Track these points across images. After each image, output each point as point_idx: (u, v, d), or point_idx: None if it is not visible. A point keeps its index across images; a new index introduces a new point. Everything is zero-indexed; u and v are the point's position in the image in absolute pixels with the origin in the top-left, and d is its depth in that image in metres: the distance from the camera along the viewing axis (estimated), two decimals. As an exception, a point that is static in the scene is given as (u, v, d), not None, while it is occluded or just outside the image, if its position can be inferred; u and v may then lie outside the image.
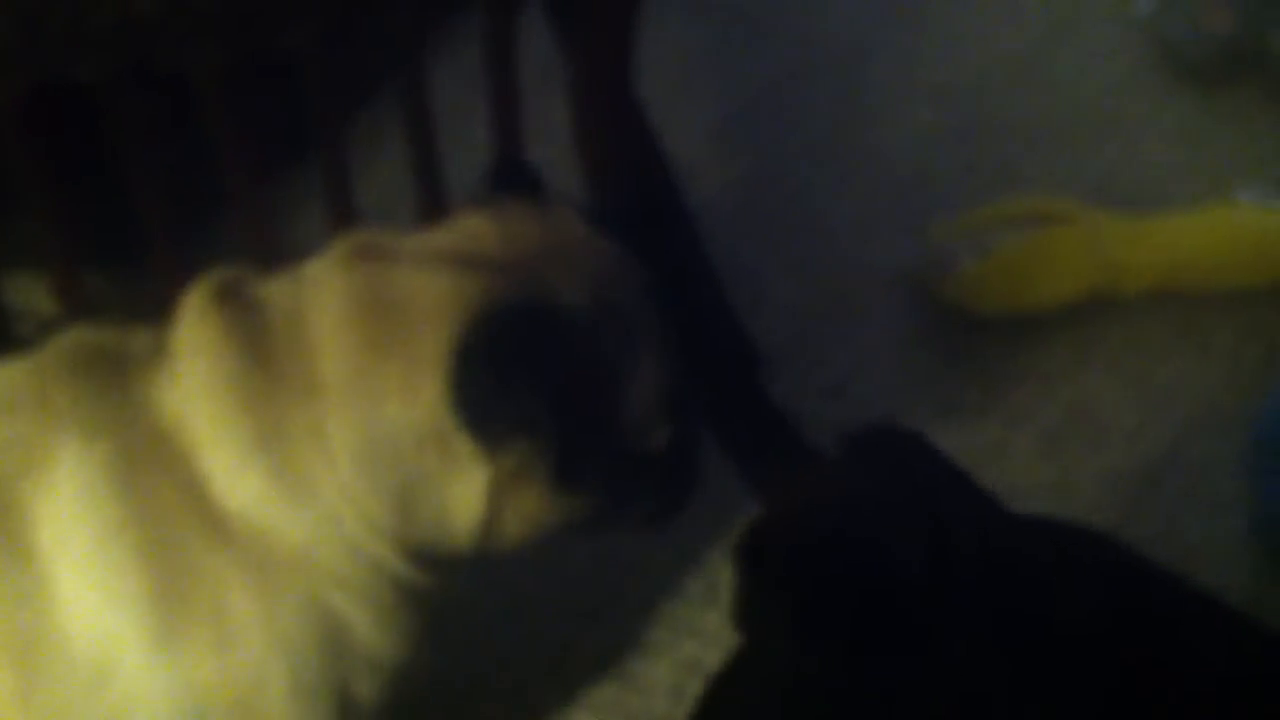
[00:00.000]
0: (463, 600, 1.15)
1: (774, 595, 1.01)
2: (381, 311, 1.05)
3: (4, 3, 1.15)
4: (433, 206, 1.36)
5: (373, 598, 1.07)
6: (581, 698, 1.44)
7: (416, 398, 1.03)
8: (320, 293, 1.07)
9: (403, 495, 1.05)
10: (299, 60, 1.27)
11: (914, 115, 1.89)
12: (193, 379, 1.05)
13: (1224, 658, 0.99)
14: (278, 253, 1.22)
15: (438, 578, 1.10)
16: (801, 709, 0.98)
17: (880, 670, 0.96)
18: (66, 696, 1.04)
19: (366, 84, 1.63)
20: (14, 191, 1.30)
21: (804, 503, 1.06)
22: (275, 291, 1.09)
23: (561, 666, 1.45)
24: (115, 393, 1.06)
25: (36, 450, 1.04)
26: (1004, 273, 1.67)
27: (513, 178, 1.16)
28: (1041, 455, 1.60)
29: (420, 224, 1.17)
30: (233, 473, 1.03)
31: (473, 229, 1.10)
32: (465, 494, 1.05)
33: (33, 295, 1.38)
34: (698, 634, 1.47)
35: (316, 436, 1.03)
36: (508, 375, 1.02)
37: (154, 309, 1.11)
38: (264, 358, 1.05)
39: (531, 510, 1.07)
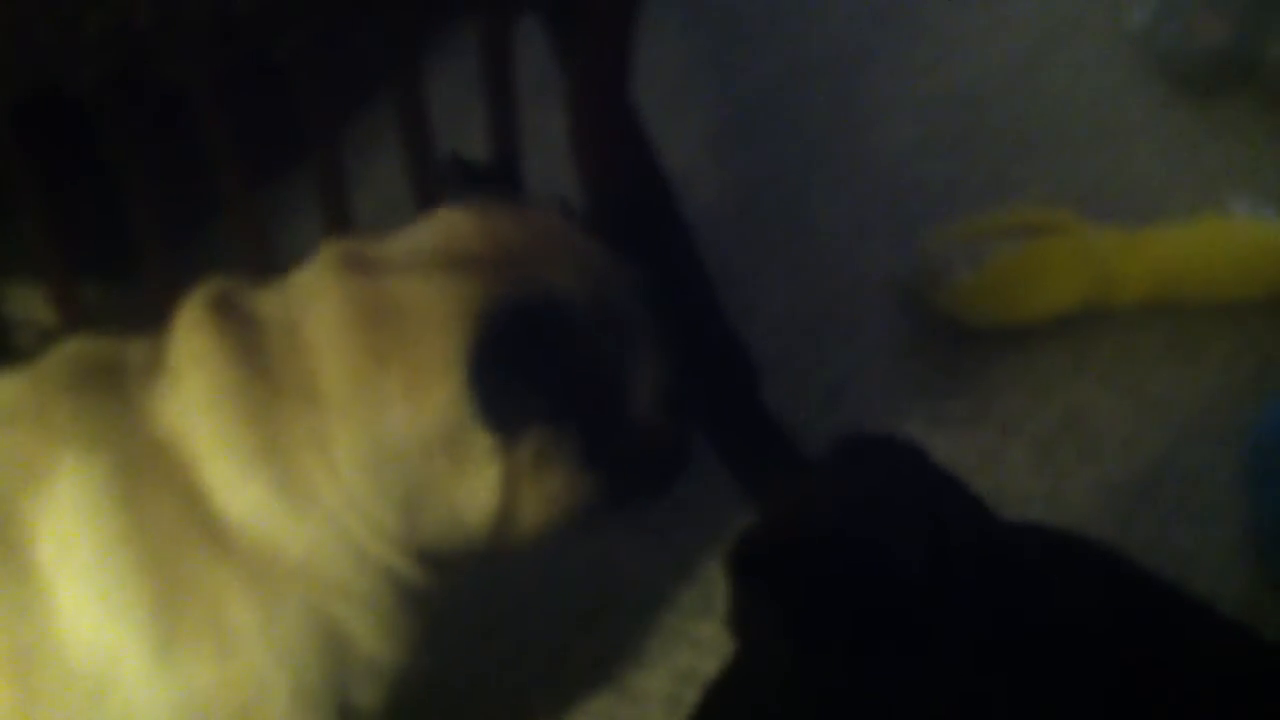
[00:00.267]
0: (460, 606, 1.16)
1: (769, 598, 1.01)
2: (380, 319, 1.05)
3: (-1, 11, 1.15)
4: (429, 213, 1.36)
5: (374, 605, 1.07)
6: (578, 707, 1.44)
7: (422, 403, 1.03)
8: (315, 302, 1.07)
9: (409, 498, 1.05)
10: (294, 67, 1.27)
11: (908, 124, 1.90)
12: (192, 391, 1.05)
13: (1222, 658, 0.99)
14: (274, 259, 1.23)
15: (442, 579, 1.10)
16: (800, 711, 0.98)
17: (880, 671, 0.96)
18: (67, 709, 1.03)
19: (362, 90, 1.64)
20: (10, 201, 1.30)
21: (799, 504, 1.06)
22: (268, 301, 1.09)
23: (557, 673, 1.45)
24: (114, 405, 1.06)
25: (36, 463, 1.04)
26: (997, 283, 1.67)
27: (467, 176, 1.16)
28: (1035, 465, 1.60)
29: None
30: (233, 483, 1.03)
31: (454, 228, 1.10)
32: (478, 490, 1.06)
33: (30, 305, 1.38)
34: (693, 644, 1.47)
35: (317, 446, 1.03)
36: (525, 369, 1.03)
37: (150, 317, 1.11)
38: (262, 369, 1.05)
39: (557, 492, 1.08)
